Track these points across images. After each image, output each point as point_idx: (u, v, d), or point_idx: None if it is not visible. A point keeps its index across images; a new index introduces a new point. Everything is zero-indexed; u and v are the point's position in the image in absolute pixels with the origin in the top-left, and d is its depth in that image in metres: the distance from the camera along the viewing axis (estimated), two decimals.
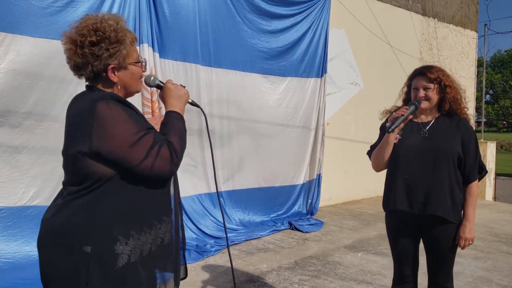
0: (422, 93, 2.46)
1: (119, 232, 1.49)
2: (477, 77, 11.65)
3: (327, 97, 6.79)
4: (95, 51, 1.53)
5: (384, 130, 2.53)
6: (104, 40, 1.53)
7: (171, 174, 1.57)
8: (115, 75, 1.59)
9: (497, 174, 11.52)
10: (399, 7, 8.67)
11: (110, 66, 1.56)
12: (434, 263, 2.53)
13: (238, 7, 5.50)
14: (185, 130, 1.66)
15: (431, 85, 2.45)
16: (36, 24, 3.86)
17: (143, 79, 1.77)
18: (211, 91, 5.33)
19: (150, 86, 1.82)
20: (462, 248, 2.47)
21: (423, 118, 2.54)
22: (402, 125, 2.39)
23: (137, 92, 1.72)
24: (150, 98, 4.55)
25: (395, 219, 2.58)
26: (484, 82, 13.69)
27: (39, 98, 3.93)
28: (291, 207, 6.27)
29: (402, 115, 2.35)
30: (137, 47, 4.53)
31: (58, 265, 1.51)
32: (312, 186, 6.45)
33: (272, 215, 5.97)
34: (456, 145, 2.42)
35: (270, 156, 6.04)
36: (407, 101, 2.59)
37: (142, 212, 1.55)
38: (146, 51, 4.63)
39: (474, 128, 2.54)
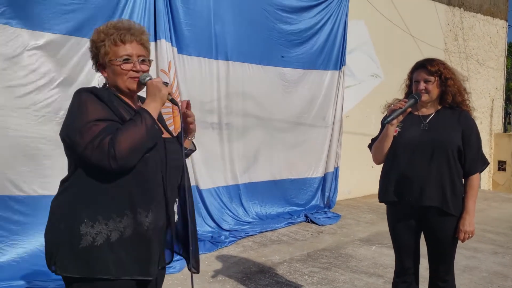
0: (422, 85, 2.46)
1: (86, 215, 1.63)
2: (506, 67, 11.28)
3: (346, 90, 6.74)
4: (91, 50, 1.79)
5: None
6: (92, 42, 1.77)
7: (112, 168, 1.57)
8: (104, 71, 1.77)
9: None
10: None
11: (98, 63, 1.78)
12: (434, 255, 2.52)
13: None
14: (146, 130, 1.61)
15: (432, 78, 2.45)
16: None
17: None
18: (227, 84, 5.39)
19: (143, 84, 1.79)
20: (462, 241, 2.46)
21: (424, 111, 2.53)
22: (400, 117, 2.39)
23: (129, 89, 1.74)
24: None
25: (394, 211, 2.58)
26: None
27: None
28: (308, 200, 6.28)
29: (400, 107, 2.36)
30: (156, 42, 4.66)
31: (47, 239, 1.72)
32: (330, 180, 6.43)
33: (289, 208, 6.00)
34: (455, 138, 2.41)
35: (287, 149, 6.06)
36: (408, 94, 2.58)
37: (111, 200, 1.63)
38: (164, 47, 4.71)
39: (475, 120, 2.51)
